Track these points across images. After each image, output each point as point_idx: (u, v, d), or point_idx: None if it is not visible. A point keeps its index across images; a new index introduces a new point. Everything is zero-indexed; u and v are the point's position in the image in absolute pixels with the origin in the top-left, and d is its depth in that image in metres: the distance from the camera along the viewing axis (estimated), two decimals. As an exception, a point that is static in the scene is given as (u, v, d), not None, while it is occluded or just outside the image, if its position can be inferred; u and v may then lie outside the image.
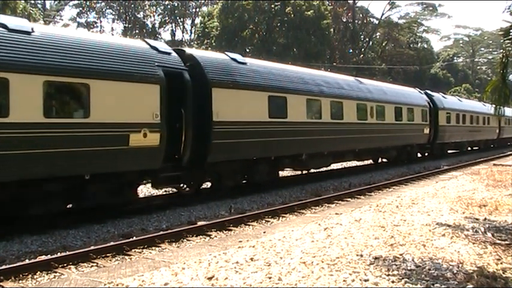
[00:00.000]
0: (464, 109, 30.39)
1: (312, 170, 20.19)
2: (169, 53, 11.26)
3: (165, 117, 10.44)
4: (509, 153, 31.93)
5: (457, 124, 28.28)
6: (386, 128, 19.97)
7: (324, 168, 21.02)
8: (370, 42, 60.93)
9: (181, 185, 12.28)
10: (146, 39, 11.96)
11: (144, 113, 10.06)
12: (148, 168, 10.49)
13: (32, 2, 43.13)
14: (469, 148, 33.75)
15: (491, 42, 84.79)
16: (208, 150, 11.69)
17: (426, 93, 26.15)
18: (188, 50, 12.78)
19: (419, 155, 26.23)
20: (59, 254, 7.47)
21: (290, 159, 15.02)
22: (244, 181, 13.73)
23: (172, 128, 10.83)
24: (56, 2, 53.03)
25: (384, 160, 23.02)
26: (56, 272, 6.76)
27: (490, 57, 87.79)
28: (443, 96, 28.38)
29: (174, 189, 12.98)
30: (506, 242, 7.02)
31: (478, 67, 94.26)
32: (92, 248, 7.70)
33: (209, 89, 11.69)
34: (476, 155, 30.45)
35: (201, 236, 8.97)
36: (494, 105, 9.54)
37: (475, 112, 32.26)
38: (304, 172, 17.49)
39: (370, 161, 23.11)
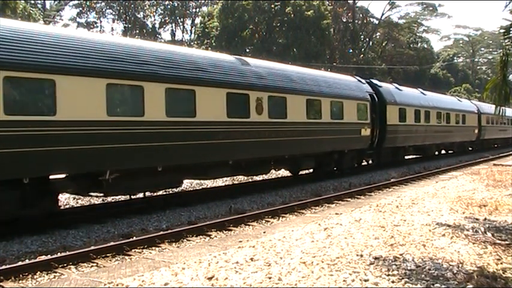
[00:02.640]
0: (428, 105, 24.26)
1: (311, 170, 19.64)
2: None
3: None
4: (509, 153, 31.70)
5: (416, 123, 22.61)
6: (289, 129, 14.31)
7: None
8: (370, 42, 60.95)
9: None
10: None
11: None
12: None
13: (32, 2, 43.09)
14: (443, 151, 29.34)
15: (491, 42, 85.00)
16: None
17: (370, 83, 20.11)
18: None
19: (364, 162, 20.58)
20: (59, 254, 7.49)
21: (73, 181, 9.61)
22: None
23: None
24: (56, 2, 52.93)
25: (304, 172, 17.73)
26: (56, 272, 6.77)
27: (490, 57, 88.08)
28: (397, 88, 22.27)
29: None
30: (506, 242, 7.01)
31: (478, 67, 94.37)
32: (92, 248, 7.71)
33: None
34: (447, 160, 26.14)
35: (201, 236, 8.98)
36: (494, 104, 9.50)
37: (445, 109, 26.46)
38: (132, 197, 11.79)
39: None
